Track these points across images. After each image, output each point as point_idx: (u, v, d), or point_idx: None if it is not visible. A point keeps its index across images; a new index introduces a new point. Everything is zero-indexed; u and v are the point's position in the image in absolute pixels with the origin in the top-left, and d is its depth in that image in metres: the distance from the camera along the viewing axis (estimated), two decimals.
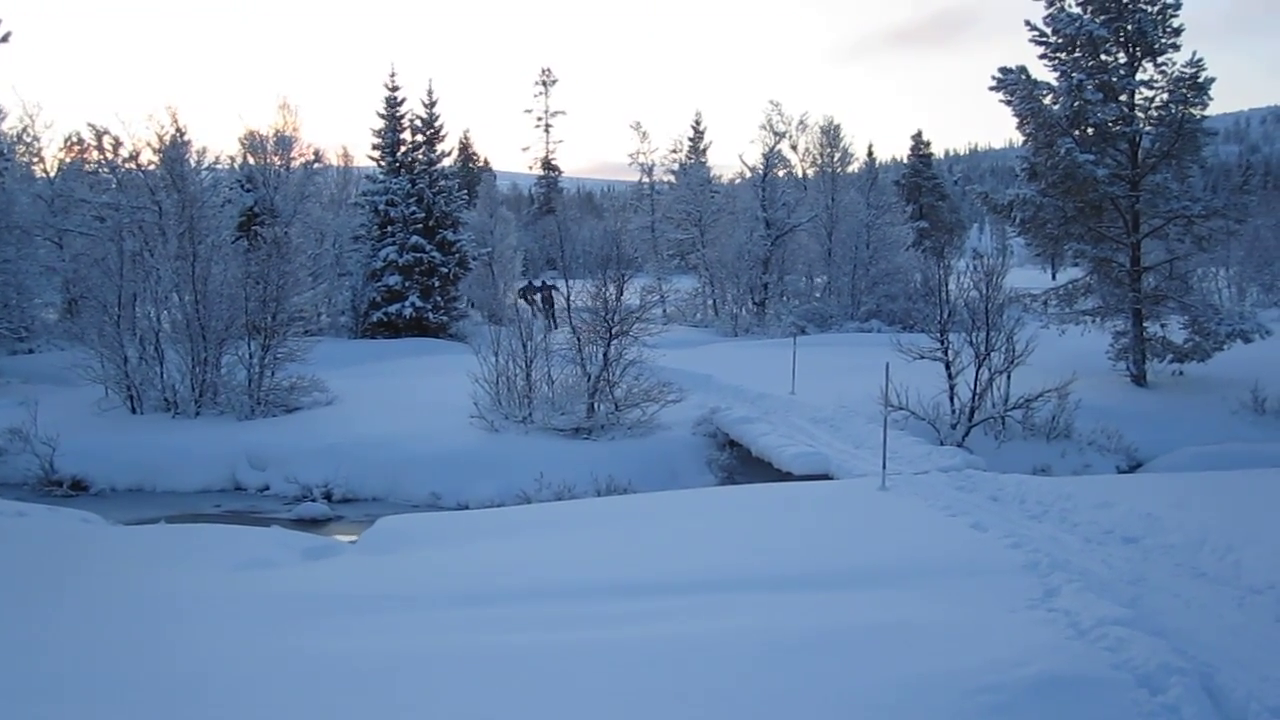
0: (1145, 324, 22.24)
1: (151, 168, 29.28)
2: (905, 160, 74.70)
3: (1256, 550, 8.14)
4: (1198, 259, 26.64)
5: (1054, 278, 45.83)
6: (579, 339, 19.48)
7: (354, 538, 12.45)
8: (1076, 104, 21.87)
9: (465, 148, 72.87)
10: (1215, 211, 21.85)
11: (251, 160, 35.84)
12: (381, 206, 35.64)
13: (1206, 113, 22.31)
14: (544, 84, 76.85)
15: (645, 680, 5.74)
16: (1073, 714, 5.16)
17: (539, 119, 76.81)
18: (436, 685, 5.79)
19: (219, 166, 34.31)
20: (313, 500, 16.79)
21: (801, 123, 41.15)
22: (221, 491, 17.54)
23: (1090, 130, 22.49)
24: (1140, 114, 22.46)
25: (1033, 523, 10.06)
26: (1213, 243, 23.93)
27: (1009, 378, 17.96)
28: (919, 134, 71.76)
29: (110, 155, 31.22)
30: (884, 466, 12.20)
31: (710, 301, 42.03)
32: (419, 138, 37.15)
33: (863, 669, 5.78)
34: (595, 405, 18.89)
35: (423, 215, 35.62)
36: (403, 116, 37.17)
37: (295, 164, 36.50)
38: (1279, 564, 7.82)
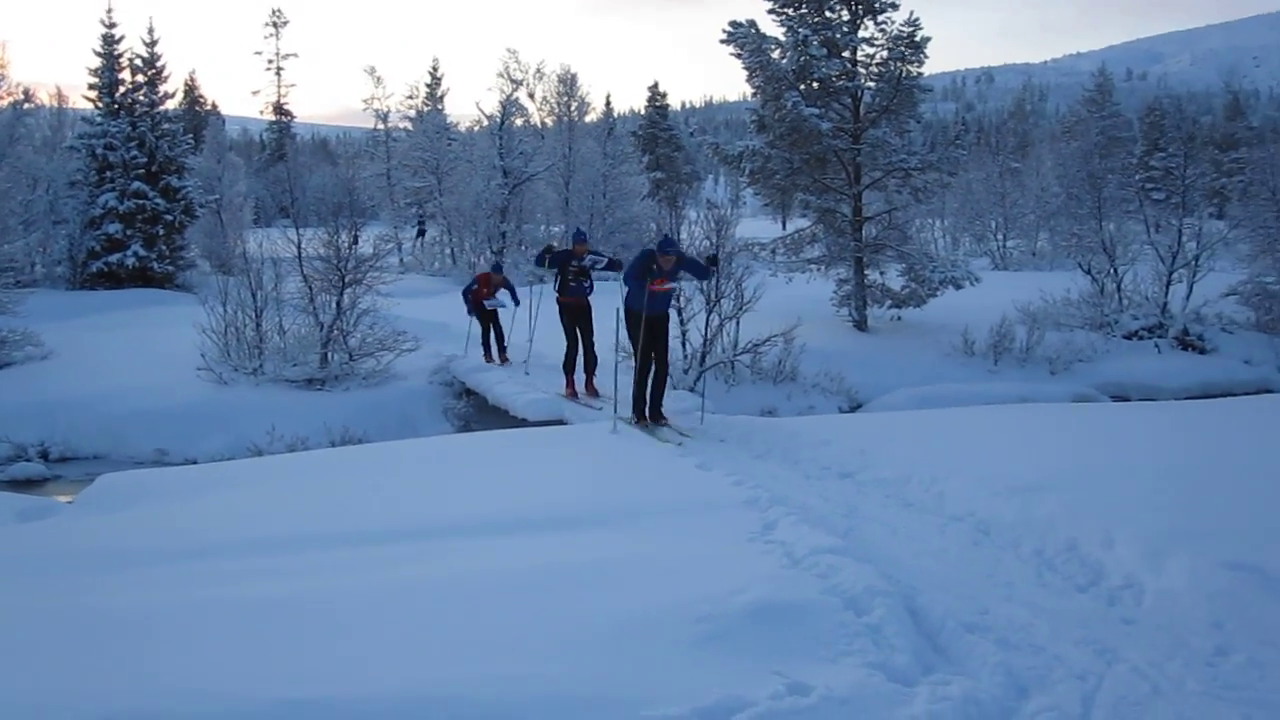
0: (866, 272, 23.30)
1: None
2: (642, 111, 75.60)
3: (958, 481, 8.68)
4: (915, 210, 27.97)
5: (784, 228, 47.33)
6: (310, 288, 19.05)
7: (72, 497, 11.86)
8: (802, 59, 22.57)
9: (191, 90, 69.97)
10: (930, 165, 23.02)
11: None
12: (100, 150, 33.72)
13: (923, 71, 23.42)
14: (274, 25, 74.50)
15: (383, 622, 5.72)
16: (784, 637, 5.40)
17: (270, 62, 74.46)
18: (196, 637, 5.60)
19: None
20: (27, 460, 15.88)
21: (539, 71, 41.09)
22: None
23: (816, 85, 23.27)
24: (862, 70, 23.40)
25: (757, 461, 10.43)
26: (928, 194, 25.23)
27: (738, 324, 18.54)
28: (655, 85, 72.78)
29: None
30: (615, 411, 12.42)
31: (448, 250, 41.67)
32: (140, 78, 35.21)
33: (589, 602, 5.90)
34: (329, 355, 18.54)
35: (145, 160, 33.90)
36: (121, 55, 35.09)
37: (3, 104, 34.15)
38: (977, 493, 8.35)
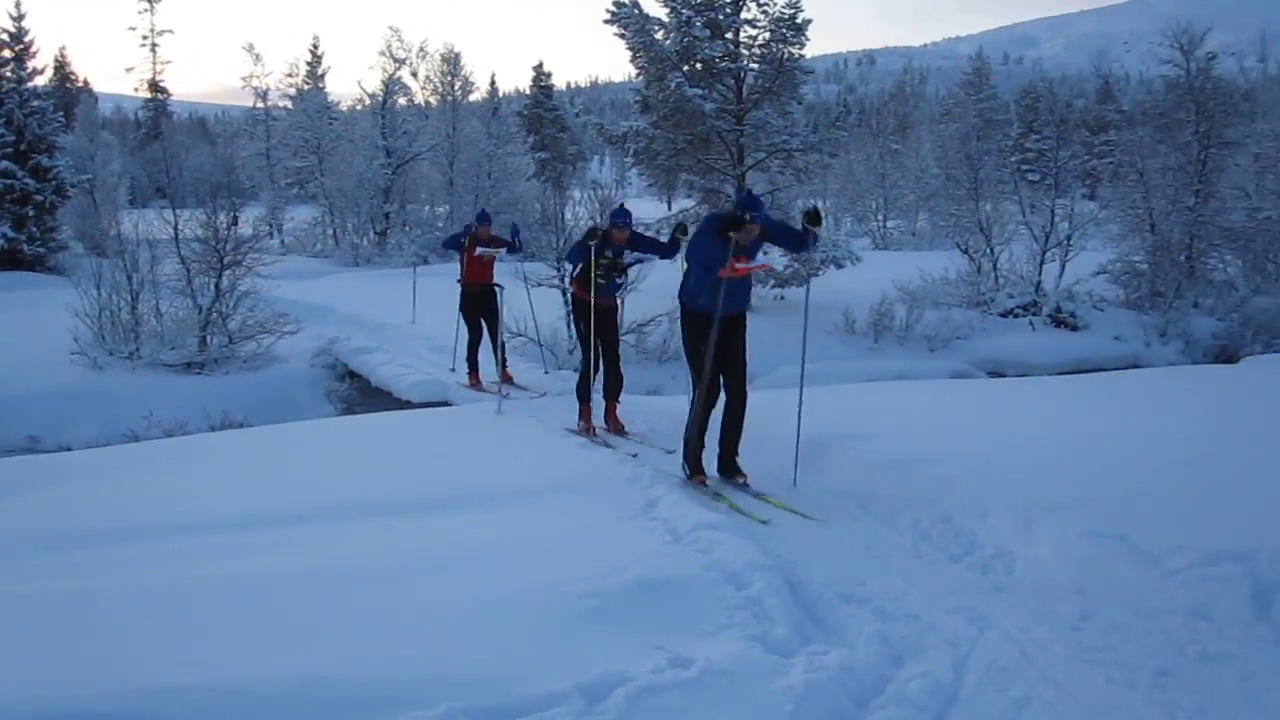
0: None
1: None
2: (527, 91, 75.21)
3: (837, 457, 8.85)
4: (798, 190, 28.28)
5: (669, 208, 47.54)
6: (188, 270, 18.72)
7: None
8: (686, 39, 22.66)
9: (61, 66, 67.90)
10: (812, 146, 23.28)
11: None
12: None
13: (804, 53, 23.65)
14: (149, 0, 72.32)
15: (270, 606, 5.67)
16: (666, 612, 5.47)
17: (144, 38, 72.21)
18: (78, 626, 5.46)
19: None
20: None
21: (422, 50, 40.77)
22: None
23: (699, 65, 23.38)
24: (745, 51, 23.55)
25: (638, 440, 10.51)
26: (810, 175, 25.53)
27: (623, 304, 18.55)
28: (540, 65, 72.41)
29: None
30: (500, 391, 12.42)
31: (330, 231, 41.15)
32: (6, 53, 34.17)
33: (475, 583, 5.91)
34: (208, 338, 18.25)
35: (13, 139, 32.91)
36: None
37: None
38: (855, 468, 8.53)
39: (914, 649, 5.32)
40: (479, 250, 14.13)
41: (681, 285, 8.85)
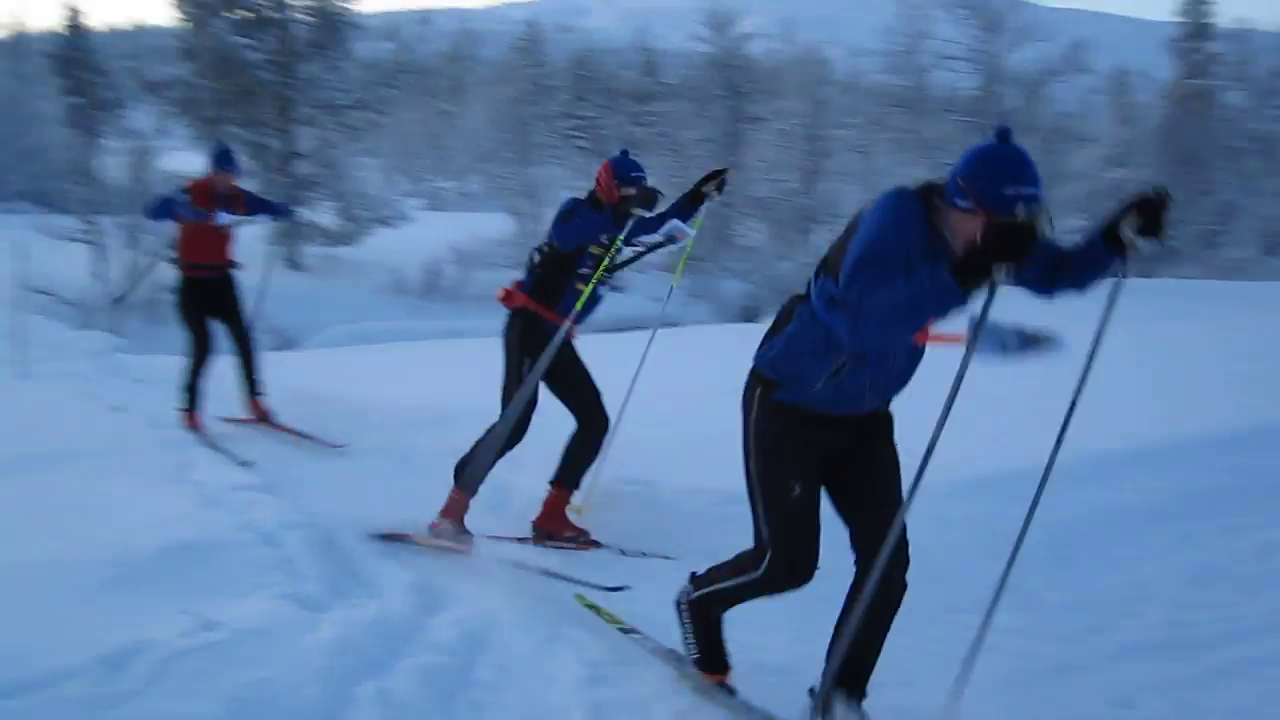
0: (300, 209, 23.06)
1: None
2: (61, 31, 69.80)
3: (380, 415, 8.95)
4: (350, 148, 27.99)
5: None
6: None
7: None
8: None
9: None
10: (362, 103, 23.13)
11: None
12: None
13: (356, 8, 23.47)
14: None
15: None
16: (197, 575, 5.36)
17: None
18: None
19: None
20: None
21: None
22: None
23: (245, 14, 22.67)
24: (293, 2, 23.03)
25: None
26: (362, 133, 25.33)
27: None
28: (72, 2, 67.39)
29: None
30: (22, 354, 11.65)
31: None
32: None
33: None
34: None
35: None
36: None
37: None
38: (399, 426, 8.65)
39: (449, 598, 5.47)
40: (221, 219, 8.66)
41: (772, 347, 4.03)
